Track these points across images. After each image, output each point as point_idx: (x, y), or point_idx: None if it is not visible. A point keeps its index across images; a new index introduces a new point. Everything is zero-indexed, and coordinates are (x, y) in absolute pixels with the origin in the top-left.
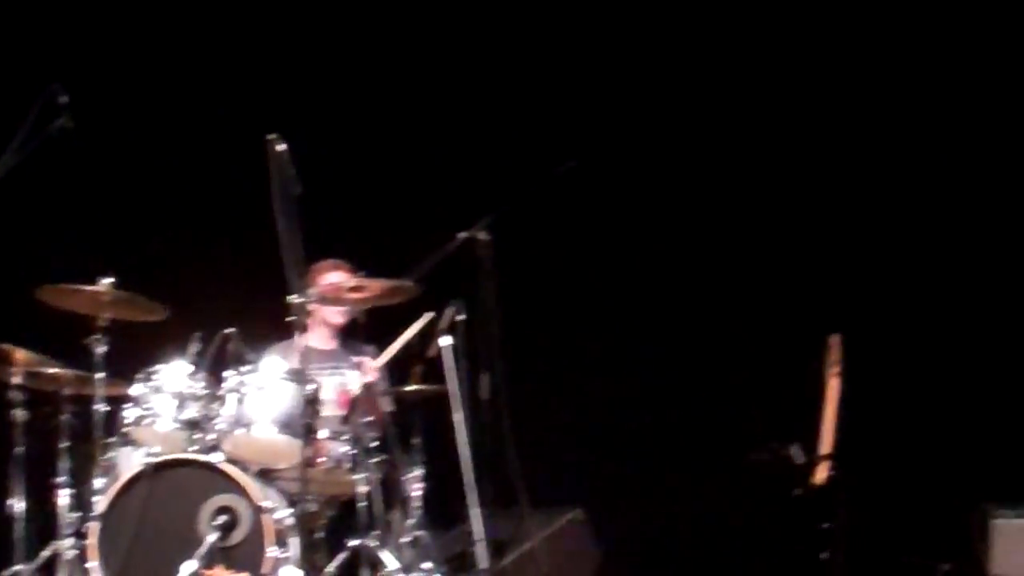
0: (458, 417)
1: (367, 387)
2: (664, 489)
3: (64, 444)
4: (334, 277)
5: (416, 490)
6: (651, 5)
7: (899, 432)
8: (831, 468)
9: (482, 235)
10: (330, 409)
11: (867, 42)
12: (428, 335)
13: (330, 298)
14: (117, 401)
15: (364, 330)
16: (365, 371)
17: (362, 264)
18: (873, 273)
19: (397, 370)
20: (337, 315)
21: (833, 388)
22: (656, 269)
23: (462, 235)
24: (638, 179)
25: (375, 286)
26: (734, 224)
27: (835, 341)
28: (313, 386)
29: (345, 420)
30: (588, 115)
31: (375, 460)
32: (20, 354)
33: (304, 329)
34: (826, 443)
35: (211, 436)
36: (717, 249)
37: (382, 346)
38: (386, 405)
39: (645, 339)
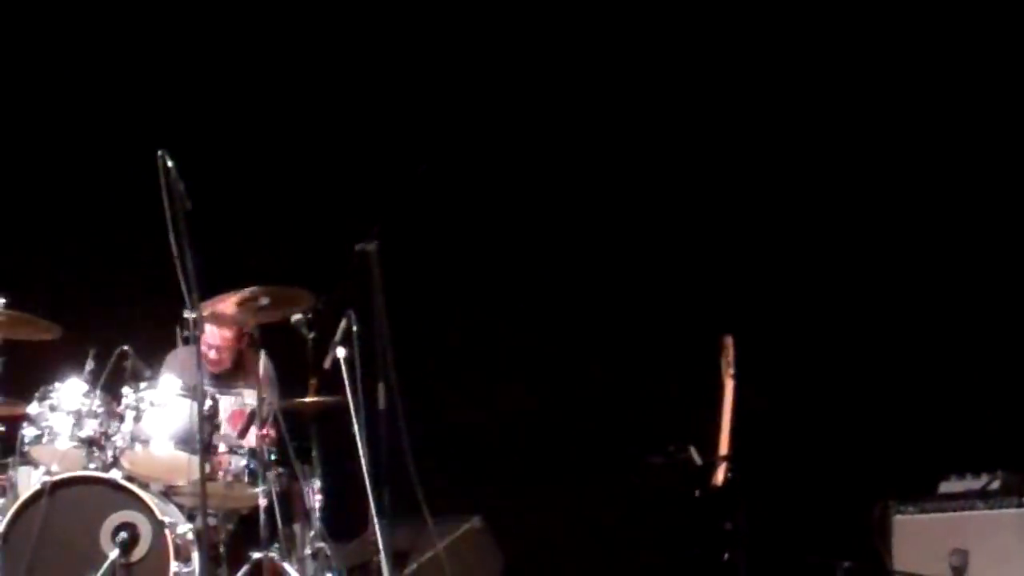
0: (356, 428)
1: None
2: (564, 494)
3: None
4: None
5: (316, 502)
6: None
7: (798, 431)
8: (729, 469)
9: (371, 245)
10: (225, 429)
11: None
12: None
13: (220, 319)
14: (13, 421)
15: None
16: None
17: (254, 278)
18: (765, 272)
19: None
20: (210, 349)
21: (728, 389)
22: (551, 274)
23: (358, 247)
24: (530, 184)
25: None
26: (628, 227)
27: (728, 342)
28: (211, 402)
29: (240, 437)
30: (461, 121)
31: (274, 473)
32: None
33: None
34: (724, 444)
35: (109, 453)
36: (612, 252)
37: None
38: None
39: (540, 344)
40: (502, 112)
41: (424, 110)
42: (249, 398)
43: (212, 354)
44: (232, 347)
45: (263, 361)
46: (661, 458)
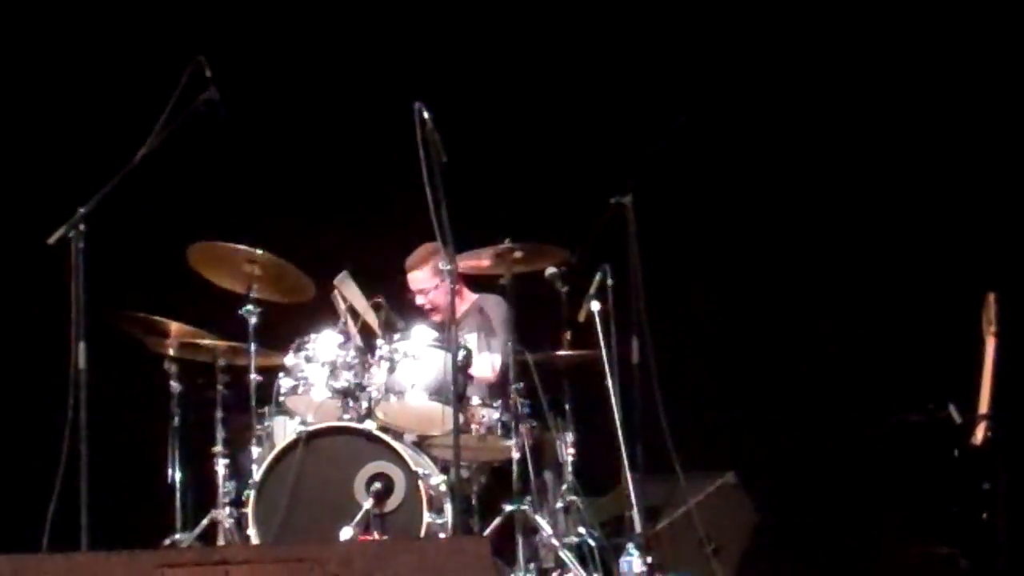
0: (609, 382)
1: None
2: (818, 452)
3: (220, 414)
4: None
5: (569, 455)
6: None
7: None
8: (990, 428)
9: (626, 198)
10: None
11: None
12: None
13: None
14: (270, 371)
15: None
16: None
17: (508, 231)
18: None
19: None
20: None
21: (990, 347)
22: (807, 228)
23: (613, 200)
24: (783, 136)
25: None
26: (888, 181)
27: (991, 299)
28: (464, 352)
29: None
30: (725, 78)
31: (527, 426)
32: (175, 327)
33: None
34: (984, 403)
35: (364, 404)
36: (870, 207)
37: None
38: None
39: (796, 299)
40: (751, 71)
41: (681, 61)
42: (470, 343)
43: (419, 300)
44: (430, 292)
45: (494, 301)
46: (920, 416)
